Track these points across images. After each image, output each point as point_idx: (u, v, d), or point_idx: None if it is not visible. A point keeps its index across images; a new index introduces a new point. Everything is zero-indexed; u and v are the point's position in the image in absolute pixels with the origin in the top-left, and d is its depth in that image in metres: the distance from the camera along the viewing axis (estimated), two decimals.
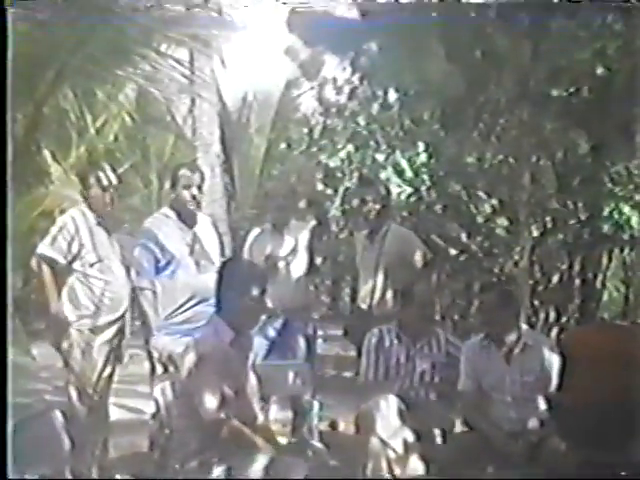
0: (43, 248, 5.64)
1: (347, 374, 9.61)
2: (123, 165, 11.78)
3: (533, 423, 4.87)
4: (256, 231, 6.86)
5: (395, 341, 5.41)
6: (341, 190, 12.34)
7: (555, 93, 7.77)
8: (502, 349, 5.00)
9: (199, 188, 5.84)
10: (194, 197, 5.81)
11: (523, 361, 4.95)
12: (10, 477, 3.71)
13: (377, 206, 6.64)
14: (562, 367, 4.83)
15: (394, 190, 9.70)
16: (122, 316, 5.81)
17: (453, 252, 9.59)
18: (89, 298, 5.65)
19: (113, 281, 5.70)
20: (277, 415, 5.08)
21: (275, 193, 7.01)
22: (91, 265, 5.65)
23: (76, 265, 5.65)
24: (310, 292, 6.88)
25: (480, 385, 5.05)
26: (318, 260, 6.98)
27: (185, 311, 5.67)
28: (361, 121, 11.89)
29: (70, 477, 4.53)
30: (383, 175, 10.52)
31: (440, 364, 5.35)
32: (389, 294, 6.43)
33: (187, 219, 5.88)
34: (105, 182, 5.72)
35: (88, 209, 5.74)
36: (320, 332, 7.27)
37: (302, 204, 9.55)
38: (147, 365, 5.94)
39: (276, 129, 14.28)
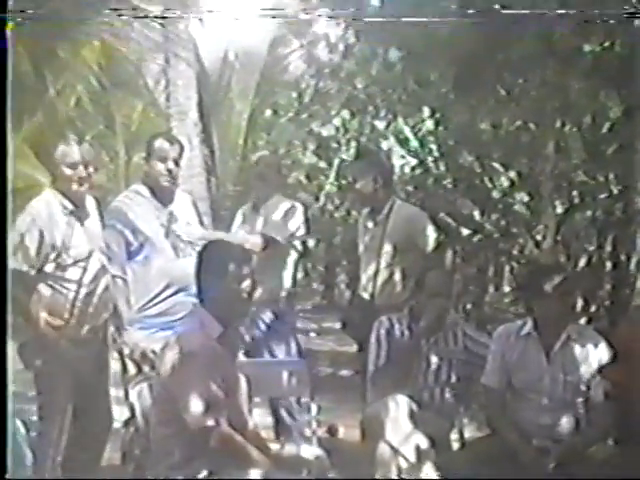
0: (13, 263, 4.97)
1: (344, 372, 9.63)
2: (85, 136, 11.72)
3: (567, 430, 4.81)
4: (244, 210, 6.82)
5: (406, 332, 5.37)
6: (336, 163, 12.30)
7: (586, 48, 7.68)
8: (545, 341, 4.89)
9: (176, 162, 5.76)
10: (170, 171, 5.72)
11: (565, 357, 4.85)
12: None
13: (378, 181, 6.57)
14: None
15: (397, 162, 9.68)
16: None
17: (465, 232, 9.57)
18: (63, 305, 5.29)
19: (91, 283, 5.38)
20: (258, 419, 5.06)
21: (263, 165, 6.93)
22: (64, 268, 5.29)
23: (48, 268, 5.26)
24: (303, 279, 6.82)
25: (510, 381, 4.96)
26: (311, 243, 6.92)
27: (161, 302, 5.59)
28: (358, 83, 11.86)
29: None
30: (384, 145, 10.51)
31: (457, 360, 5.32)
32: (395, 280, 6.40)
33: (163, 197, 5.79)
34: (72, 158, 5.32)
35: (59, 194, 5.34)
36: (314, 325, 7.24)
37: (292, 179, 9.51)
38: (116, 365, 5.84)
39: (261, 93, 14.19)
